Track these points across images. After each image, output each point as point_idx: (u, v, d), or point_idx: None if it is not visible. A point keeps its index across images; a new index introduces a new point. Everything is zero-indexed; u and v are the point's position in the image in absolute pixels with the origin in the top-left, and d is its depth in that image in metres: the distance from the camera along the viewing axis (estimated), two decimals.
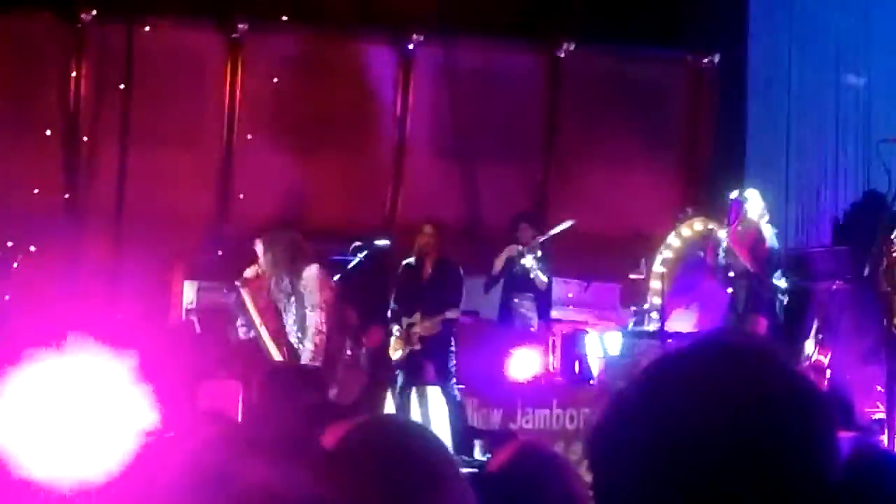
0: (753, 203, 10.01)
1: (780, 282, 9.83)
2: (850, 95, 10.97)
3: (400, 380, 9.87)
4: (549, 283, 10.89)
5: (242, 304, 8.60)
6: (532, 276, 10.68)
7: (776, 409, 1.35)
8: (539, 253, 10.76)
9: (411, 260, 10.00)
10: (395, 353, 9.85)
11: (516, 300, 10.90)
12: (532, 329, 10.92)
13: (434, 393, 10.00)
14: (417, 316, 9.83)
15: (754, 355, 1.40)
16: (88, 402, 4.14)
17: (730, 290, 10.00)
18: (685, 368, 1.39)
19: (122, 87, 11.60)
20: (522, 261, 10.71)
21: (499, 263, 10.77)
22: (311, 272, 8.01)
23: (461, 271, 10.06)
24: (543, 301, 11.02)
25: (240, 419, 7.12)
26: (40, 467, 2.68)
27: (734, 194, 10.23)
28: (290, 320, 8.10)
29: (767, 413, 1.35)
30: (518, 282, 10.82)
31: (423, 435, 2.44)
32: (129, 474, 2.55)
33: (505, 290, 10.94)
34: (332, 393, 7.70)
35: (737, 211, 10.05)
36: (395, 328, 9.89)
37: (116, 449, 2.62)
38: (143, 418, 3.49)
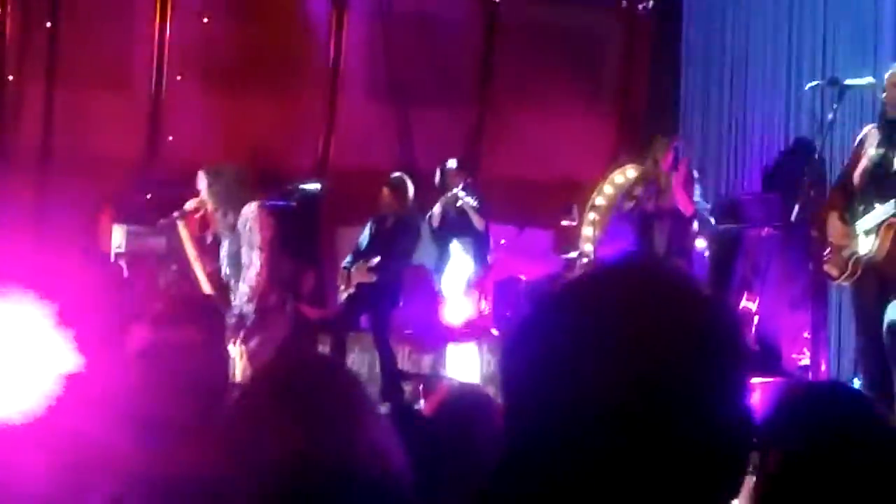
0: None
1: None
2: (784, 40, 11.01)
3: (336, 324, 9.93)
4: (486, 225, 10.94)
5: (178, 238, 8.42)
6: (471, 216, 10.73)
7: (685, 339, 1.30)
8: (472, 195, 10.81)
9: (381, 215, 10.11)
10: (340, 297, 10.03)
11: (454, 245, 10.97)
12: (470, 275, 10.98)
13: (367, 339, 10.05)
14: (359, 263, 9.94)
15: (667, 280, 1.35)
16: (10, 346, 4.31)
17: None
18: (591, 291, 1.33)
19: (48, 25, 11.37)
20: (459, 203, 10.75)
21: (436, 216, 10.85)
22: (251, 209, 7.77)
23: (415, 226, 10.14)
24: (481, 245, 11.07)
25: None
26: None
27: (670, 139, 10.26)
28: (222, 253, 7.92)
29: (673, 342, 1.29)
30: (455, 227, 10.88)
31: (334, 369, 2.43)
32: (48, 412, 2.55)
33: (443, 236, 10.98)
34: (258, 338, 7.64)
35: (676, 155, 10.08)
36: (342, 273, 10.07)
37: (36, 390, 2.64)
38: (65, 362, 3.57)
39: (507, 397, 1.36)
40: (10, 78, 11.60)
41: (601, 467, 1.26)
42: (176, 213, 8.16)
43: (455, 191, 10.82)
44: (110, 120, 11.69)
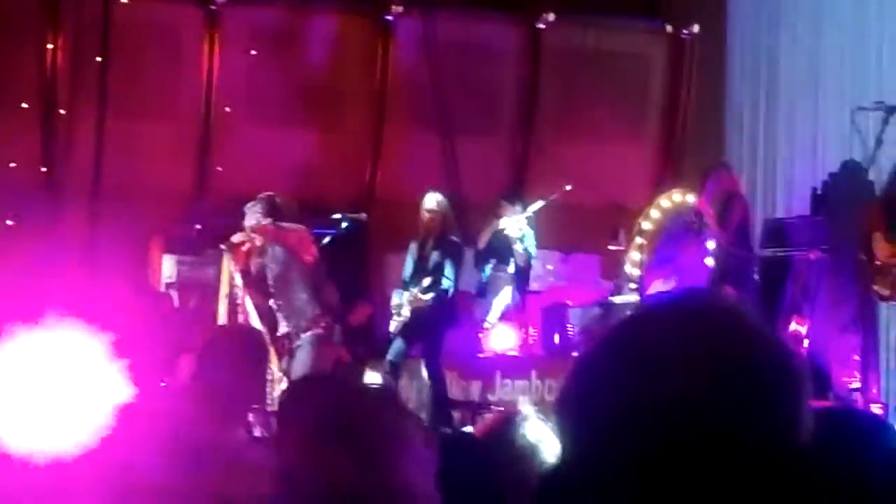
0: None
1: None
2: (830, 64, 10.98)
3: (390, 352, 9.86)
4: (529, 258, 10.86)
5: (224, 270, 8.59)
6: (514, 247, 10.69)
7: (744, 372, 1.32)
8: (524, 226, 10.74)
9: (421, 237, 9.91)
10: (392, 325, 9.92)
11: (494, 273, 10.95)
12: (507, 303, 10.93)
13: (418, 366, 10.02)
14: (411, 290, 9.84)
15: (722, 316, 1.36)
16: (64, 378, 4.20)
17: (709, 260, 10.04)
18: (651, 329, 1.36)
19: (99, 59, 11.51)
20: (506, 232, 10.72)
21: (483, 240, 10.82)
22: (299, 229, 8.10)
23: (460, 249, 10.02)
24: (522, 275, 11.00)
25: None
26: (17, 440, 2.72)
27: (712, 165, 10.30)
28: (269, 281, 8.13)
29: (734, 377, 1.31)
30: (498, 255, 10.86)
31: (387, 400, 2.46)
32: (102, 446, 2.57)
33: (485, 263, 10.97)
34: (307, 365, 7.71)
35: (713, 180, 10.09)
36: (394, 300, 9.93)
37: (90, 422, 2.63)
38: (118, 393, 3.50)
39: (563, 427, 1.38)
40: (62, 111, 11.76)
41: (653, 497, 1.28)
42: (223, 246, 8.33)
43: (504, 219, 10.75)
44: (160, 152, 11.83)
